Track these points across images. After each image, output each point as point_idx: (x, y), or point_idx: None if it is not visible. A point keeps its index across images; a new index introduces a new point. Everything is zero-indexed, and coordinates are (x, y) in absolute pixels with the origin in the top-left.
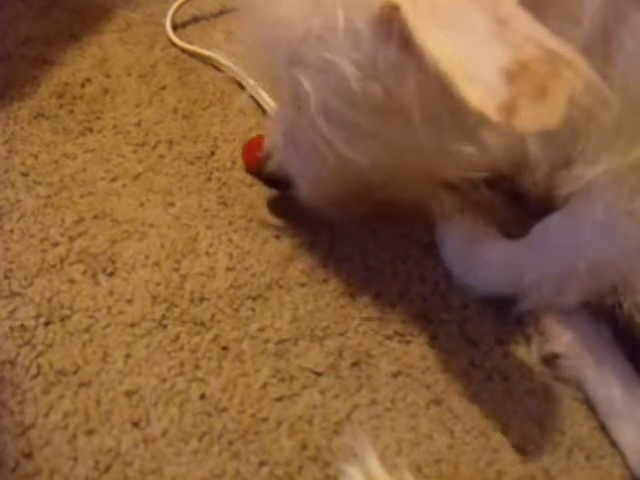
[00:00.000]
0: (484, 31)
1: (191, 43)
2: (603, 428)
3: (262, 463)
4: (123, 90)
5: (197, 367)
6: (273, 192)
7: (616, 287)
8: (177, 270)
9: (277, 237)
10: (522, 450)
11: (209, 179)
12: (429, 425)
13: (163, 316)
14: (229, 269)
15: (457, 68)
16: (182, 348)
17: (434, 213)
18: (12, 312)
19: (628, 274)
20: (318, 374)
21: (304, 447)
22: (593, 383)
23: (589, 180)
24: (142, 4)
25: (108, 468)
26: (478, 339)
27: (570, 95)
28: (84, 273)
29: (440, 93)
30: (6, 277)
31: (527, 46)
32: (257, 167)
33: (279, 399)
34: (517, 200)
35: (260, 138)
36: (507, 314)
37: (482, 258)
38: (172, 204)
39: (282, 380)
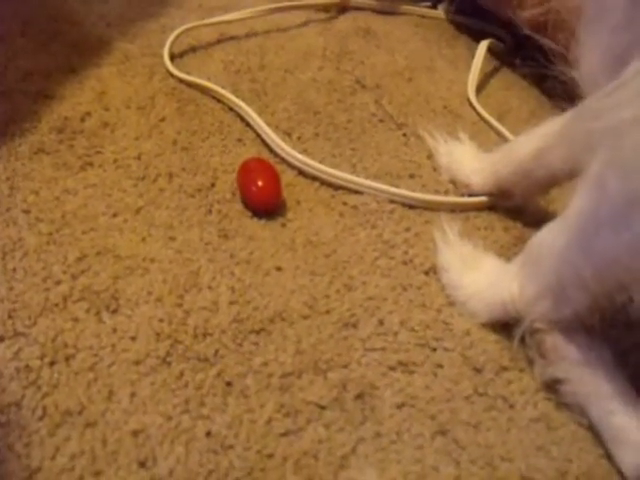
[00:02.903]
0: None
1: (189, 73)
2: (610, 455)
3: None
4: (122, 123)
5: (202, 404)
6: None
7: (624, 285)
8: (180, 305)
9: (279, 269)
10: (529, 479)
11: (209, 212)
12: (435, 456)
13: (167, 353)
14: (232, 303)
15: None
16: (187, 385)
17: None
18: (17, 353)
19: (637, 268)
20: (322, 408)
21: None
22: (595, 409)
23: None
24: (140, 35)
25: None
26: (481, 366)
27: None
28: (87, 311)
29: None
30: (10, 317)
31: None
32: (253, 202)
33: (284, 434)
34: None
35: (252, 163)
36: (510, 339)
37: (483, 282)
38: (173, 238)
39: (287, 415)
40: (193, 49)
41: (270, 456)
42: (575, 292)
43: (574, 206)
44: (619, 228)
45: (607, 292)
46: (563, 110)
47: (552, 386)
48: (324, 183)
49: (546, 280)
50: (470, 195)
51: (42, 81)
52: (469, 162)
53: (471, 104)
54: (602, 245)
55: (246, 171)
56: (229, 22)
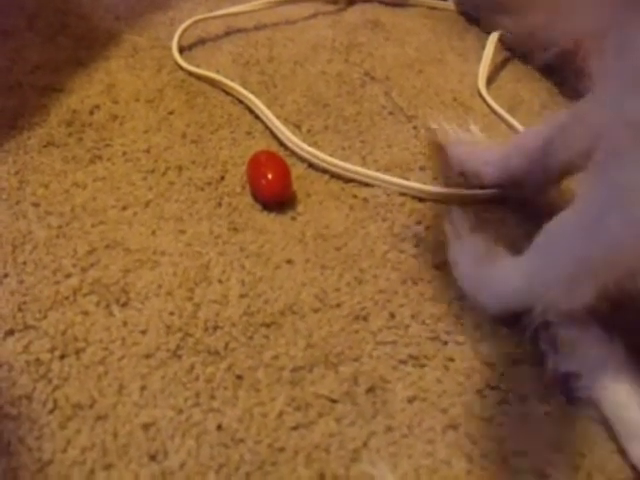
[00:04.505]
0: None
1: (198, 66)
2: (623, 450)
3: None
4: (131, 116)
5: (213, 397)
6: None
7: (633, 272)
8: (190, 299)
9: (289, 262)
10: (541, 474)
11: (219, 204)
12: (446, 451)
13: (177, 346)
14: (242, 296)
15: None
16: (197, 378)
17: None
18: (27, 346)
19: None
20: (334, 401)
21: (322, 476)
22: (608, 404)
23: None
24: (148, 28)
25: None
26: (493, 360)
27: None
28: (97, 304)
29: None
30: (20, 310)
31: None
32: (263, 194)
33: (295, 428)
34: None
35: (262, 156)
36: (521, 333)
37: (494, 275)
38: (183, 231)
39: (298, 408)
40: (202, 41)
41: (281, 450)
42: (585, 280)
43: (581, 194)
44: (625, 215)
45: (616, 280)
46: (574, 101)
47: (564, 380)
48: (334, 176)
49: (556, 269)
50: (481, 187)
51: (50, 74)
52: (480, 154)
53: (482, 96)
54: (610, 232)
55: (256, 164)
56: (237, 14)
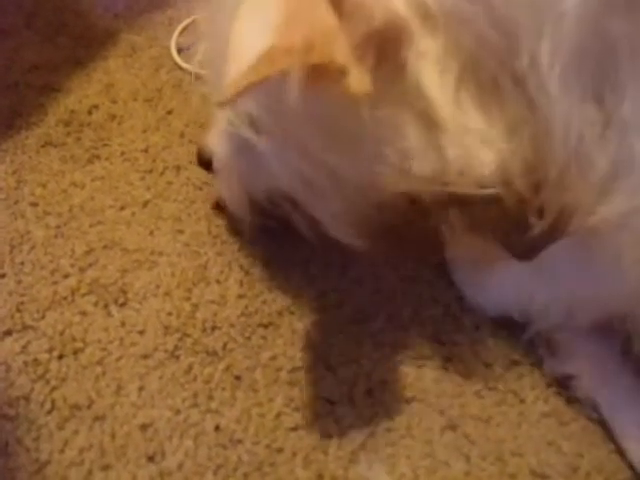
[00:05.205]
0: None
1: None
2: (621, 450)
3: None
4: (130, 116)
5: (211, 398)
6: None
7: (625, 317)
8: (188, 299)
9: (288, 262)
10: (539, 475)
11: (217, 204)
12: (445, 451)
13: (175, 347)
14: (240, 296)
15: None
16: (195, 379)
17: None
18: (25, 346)
19: (637, 309)
20: (332, 402)
21: (320, 477)
22: (607, 405)
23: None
24: (147, 27)
25: None
26: (491, 361)
27: None
28: (96, 304)
29: None
30: (18, 310)
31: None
32: None
33: (294, 429)
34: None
35: None
36: (520, 335)
37: (493, 279)
38: (181, 231)
39: (296, 409)
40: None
41: (279, 450)
42: (580, 310)
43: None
44: (624, 273)
45: (608, 317)
46: None
47: (563, 381)
48: None
49: (553, 295)
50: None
51: (48, 74)
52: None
53: None
54: (605, 279)
55: None
56: None
